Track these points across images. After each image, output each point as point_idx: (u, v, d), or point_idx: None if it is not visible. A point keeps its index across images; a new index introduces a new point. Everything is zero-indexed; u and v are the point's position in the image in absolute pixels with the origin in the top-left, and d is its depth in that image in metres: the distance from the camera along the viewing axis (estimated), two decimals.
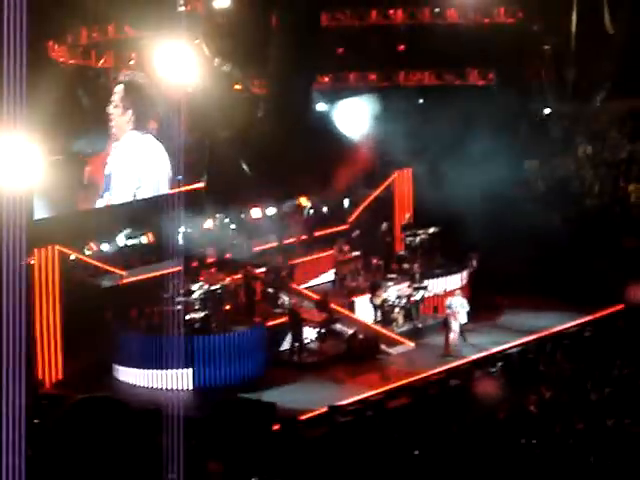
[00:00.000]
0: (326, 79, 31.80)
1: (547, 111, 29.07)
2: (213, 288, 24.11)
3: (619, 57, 31.50)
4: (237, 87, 29.50)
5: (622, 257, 28.41)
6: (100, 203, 26.33)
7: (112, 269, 25.00)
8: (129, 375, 22.85)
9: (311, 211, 29.00)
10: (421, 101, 31.48)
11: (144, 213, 25.56)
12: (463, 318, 24.68)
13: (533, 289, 28.42)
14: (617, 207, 29.65)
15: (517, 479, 16.22)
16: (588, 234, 29.49)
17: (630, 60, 31.20)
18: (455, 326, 24.41)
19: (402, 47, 32.71)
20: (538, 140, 29.07)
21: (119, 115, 26.35)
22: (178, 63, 23.47)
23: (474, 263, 27.72)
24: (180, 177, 22.76)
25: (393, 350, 24.55)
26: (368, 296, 25.63)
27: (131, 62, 27.22)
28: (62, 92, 24.62)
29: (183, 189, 22.48)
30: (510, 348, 24.18)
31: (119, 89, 26.44)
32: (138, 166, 26.69)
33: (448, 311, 24.67)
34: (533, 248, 28.96)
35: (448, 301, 24.96)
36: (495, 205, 27.40)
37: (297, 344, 24.12)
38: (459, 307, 24.68)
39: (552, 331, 25.32)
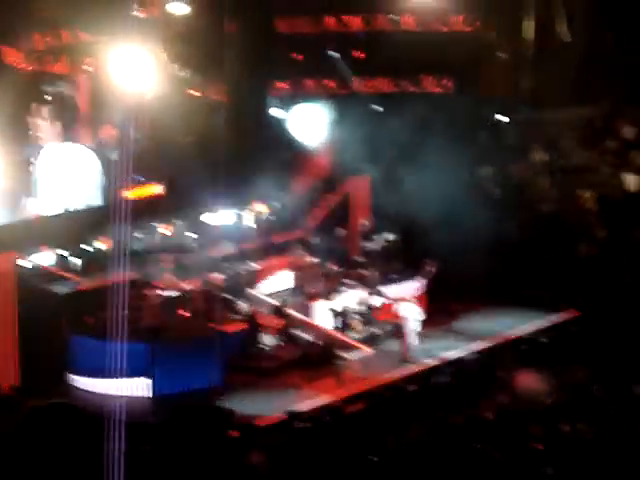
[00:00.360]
0: (283, 85, 31.84)
1: (503, 118, 29.28)
2: (171, 294, 24.02)
3: (574, 65, 31.84)
4: (195, 93, 29.47)
5: (576, 263, 28.72)
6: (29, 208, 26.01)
7: (68, 275, 24.81)
8: (85, 382, 22.70)
9: (269, 217, 28.99)
10: (378, 108, 31.58)
11: (101, 219, 25.40)
12: (416, 325, 24.73)
13: (489, 294, 28.65)
14: (572, 214, 29.93)
15: None
16: (543, 240, 29.77)
17: (585, 68, 31.56)
18: (410, 332, 24.48)
19: (359, 54, 32.83)
20: (494, 147, 29.29)
21: (47, 127, 26.25)
22: (135, 69, 23.37)
23: (431, 269, 27.87)
24: (141, 178, 22.68)
25: (350, 356, 24.61)
26: (326, 302, 25.68)
27: (87, 67, 27.07)
28: (17, 97, 24.47)
29: (141, 195, 22.37)
30: (466, 354, 24.32)
31: (47, 101, 26.32)
32: (66, 178, 26.49)
33: (401, 317, 24.71)
34: (488, 254, 29.18)
35: (401, 307, 25.00)
36: (451, 211, 27.52)
37: (255, 350, 24.10)
38: (412, 314, 24.70)
39: (508, 336, 25.47)
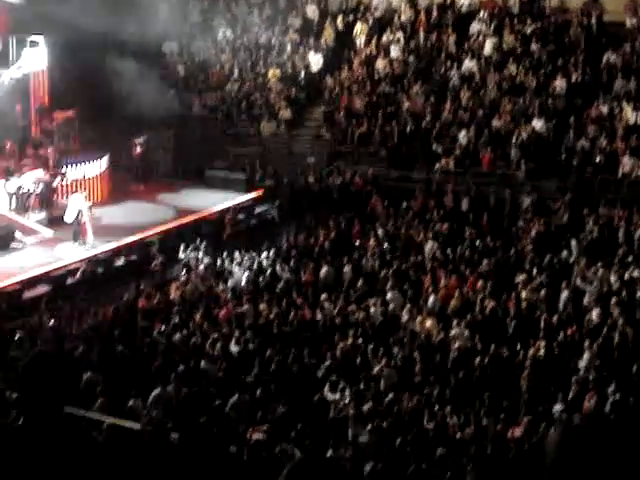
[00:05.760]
0: None
1: None
2: None
3: None
4: None
5: (261, 142, 28.96)
6: None
7: None
8: None
9: None
10: None
11: None
12: (91, 209, 23.67)
13: (176, 175, 28.46)
14: (257, 92, 29.93)
15: None
16: (230, 119, 29.70)
17: None
18: (90, 215, 23.47)
19: None
20: (177, 22, 28.49)
21: None
22: None
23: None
24: None
25: (29, 239, 23.52)
26: (1, 182, 24.30)
27: None
28: None
29: None
30: (150, 235, 23.95)
31: None
32: None
33: (80, 200, 23.64)
34: (175, 133, 28.85)
35: (72, 198, 23.93)
36: (136, 87, 26.71)
37: None
38: (80, 204, 23.52)
39: (193, 218, 25.32)
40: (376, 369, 17.00)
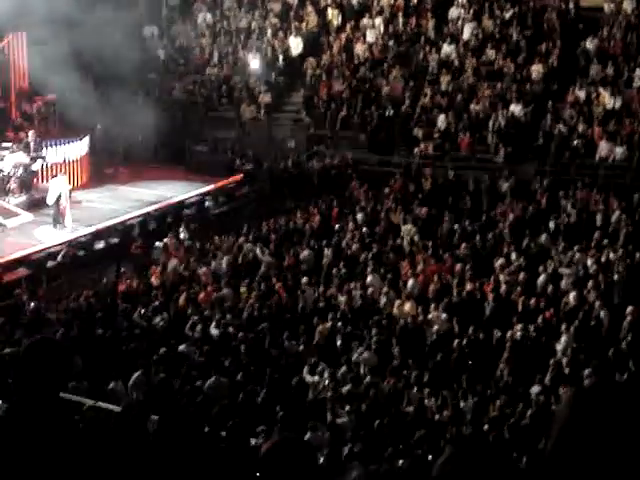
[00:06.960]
0: None
1: None
2: None
3: None
4: None
5: (241, 126, 28.92)
6: None
7: None
8: None
9: None
10: None
11: None
12: (65, 197, 23.62)
13: (156, 159, 28.37)
14: (237, 76, 29.91)
15: None
16: (210, 103, 29.65)
17: None
18: (68, 198, 23.43)
19: None
20: (157, 6, 28.42)
21: None
22: None
23: (97, 131, 27.22)
24: None
25: (9, 222, 23.49)
26: None
27: None
28: None
29: None
30: (131, 219, 23.97)
31: None
32: None
33: (59, 183, 23.58)
34: (156, 116, 28.75)
35: (58, 175, 23.89)
36: (118, 72, 26.66)
37: None
38: (61, 187, 23.47)
39: (173, 201, 25.34)
40: (355, 352, 17.16)
